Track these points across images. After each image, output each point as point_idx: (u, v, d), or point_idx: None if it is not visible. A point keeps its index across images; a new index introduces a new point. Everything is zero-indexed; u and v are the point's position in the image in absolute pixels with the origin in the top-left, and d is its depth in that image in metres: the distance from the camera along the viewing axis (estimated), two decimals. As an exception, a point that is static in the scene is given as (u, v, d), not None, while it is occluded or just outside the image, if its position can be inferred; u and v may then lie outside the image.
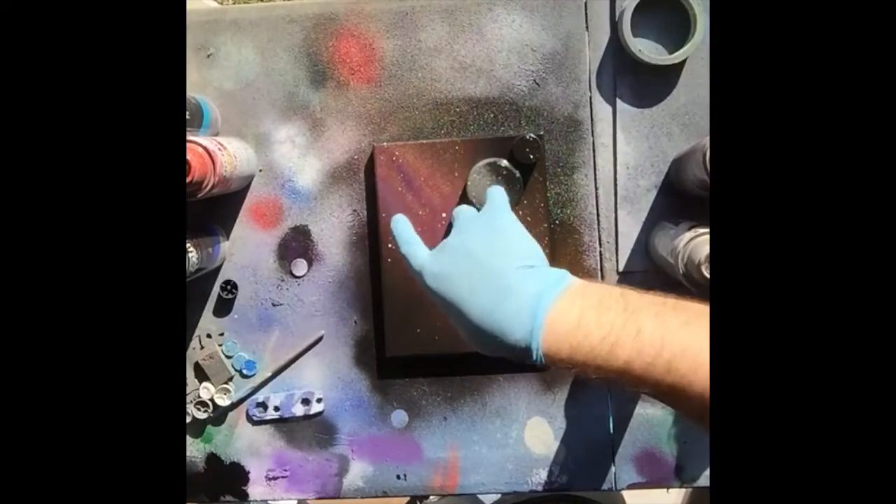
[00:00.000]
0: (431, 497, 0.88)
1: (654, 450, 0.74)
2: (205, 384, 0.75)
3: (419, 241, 0.51)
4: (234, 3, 1.62)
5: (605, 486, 0.74)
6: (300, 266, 0.75)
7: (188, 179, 0.58)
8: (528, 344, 0.42)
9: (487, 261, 0.45)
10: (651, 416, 0.74)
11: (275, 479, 0.77)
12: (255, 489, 0.77)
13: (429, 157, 0.71)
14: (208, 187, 0.61)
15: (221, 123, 0.75)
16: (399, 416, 0.76)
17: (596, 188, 0.73)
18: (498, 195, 0.52)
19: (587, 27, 0.73)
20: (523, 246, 0.47)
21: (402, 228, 0.53)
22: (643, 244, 0.73)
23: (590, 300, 0.42)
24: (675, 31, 0.70)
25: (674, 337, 0.39)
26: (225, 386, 0.76)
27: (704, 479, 0.74)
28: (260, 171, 0.75)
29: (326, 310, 0.76)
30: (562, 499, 0.78)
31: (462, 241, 0.47)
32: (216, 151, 0.63)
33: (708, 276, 0.55)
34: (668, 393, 0.40)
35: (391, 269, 0.72)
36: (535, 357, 0.42)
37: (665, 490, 0.78)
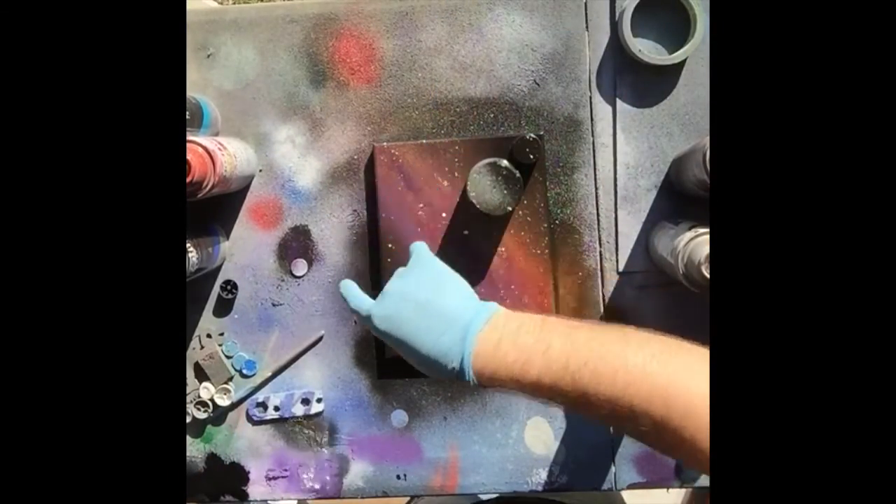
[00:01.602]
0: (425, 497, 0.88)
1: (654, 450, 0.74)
2: (205, 384, 0.75)
3: (364, 295, 0.55)
4: (234, 3, 1.62)
5: (605, 486, 0.74)
6: (300, 266, 0.75)
7: (188, 179, 0.58)
8: (462, 368, 0.48)
9: (425, 302, 0.51)
10: (651, 416, 0.74)
11: (275, 479, 0.77)
12: (255, 489, 0.77)
13: (429, 157, 0.71)
14: (208, 187, 0.61)
15: (221, 123, 0.75)
16: (399, 416, 0.76)
17: (596, 188, 0.74)
18: (420, 247, 0.56)
19: (587, 27, 0.73)
20: (454, 286, 0.53)
21: (349, 289, 0.56)
22: (643, 244, 0.73)
23: (510, 326, 0.48)
24: (675, 31, 0.70)
25: (579, 352, 0.45)
26: (225, 386, 0.76)
27: (704, 479, 0.74)
28: (260, 171, 0.75)
29: (326, 310, 0.76)
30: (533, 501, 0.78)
31: (401, 286, 0.53)
32: (216, 151, 0.63)
33: (708, 276, 0.55)
34: (575, 402, 0.45)
35: (391, 269, 0.72)
36: (467, 378, 0.48)
37: (665, 490, 0.78)
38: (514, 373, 0.46)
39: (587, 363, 0.44)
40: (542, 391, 0.46)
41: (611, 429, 0.74)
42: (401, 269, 0.55)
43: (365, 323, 0.53)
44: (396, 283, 0.53)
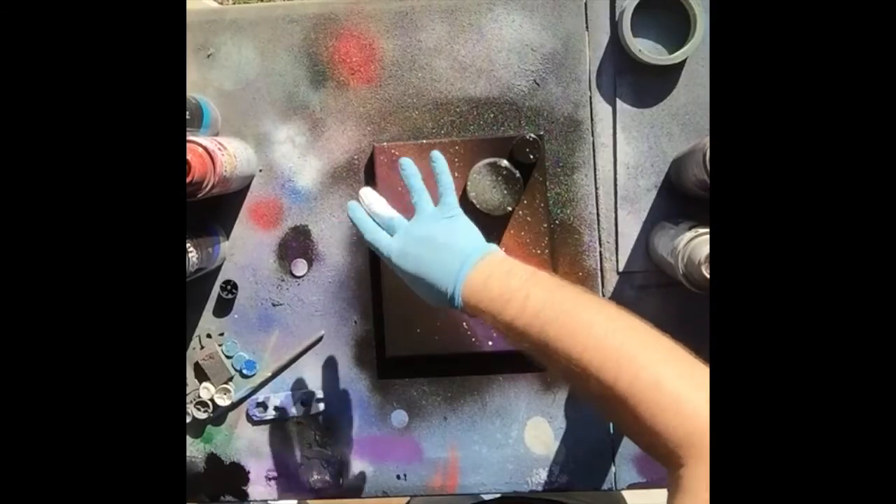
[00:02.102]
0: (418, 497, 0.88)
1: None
2: (205, 384, 0.75)
3: (379, 228, 0.60)
4: (234, 3, 1.62)
5: (605, 486, 0.74)
6: (300, 266, 0.75)
7: (188, 179, 0.58)
8: (453, 294, 0.53)
9: (441, 245, 0.56)
10: (651, 416, 0.74)
11: (275, 479, 0.77)
12: (255, 489, 0.77)
13: (429, 157, 0.71)
14: (208, 187, 0.61)
15: (221, 123, 0.75)
16: (399, 416, 0.76)
17: (596, 188, 0.73)
18: (449, 195, 0.58)
19: (587, 27, 0.73)
20: (466, 229, 0.57)
21: (360, 217, 0.60)
22: (643, 244, 0.73)
23: (502, 267, 0.53)
24: (675, 31, 0.70)
25: (553, 307, 0.48)
26: (225, 386, 0.76)
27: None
28: (260, 171, 0.75)
29: (326, 310, 0.76)
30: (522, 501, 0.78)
31: (417, 228, 0.57)
32: (216, 151, 0.63)
33: (708, 276, 0.55)
34: (537, 350, 0.49)
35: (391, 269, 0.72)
36: (456, 303, 0.53)
37: (665, 490, 0.78)
38: (494, 309, 0.51)
39: (557, 318, 0.48)
40: (513, 333, 0.50)
41: (610, 429, 0.74)
42: (429, 211, 0.59)
43: (379, 255, 0.58)
44: (421, 227, 0.57)
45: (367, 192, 0.61)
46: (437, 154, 0.61)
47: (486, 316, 0.52)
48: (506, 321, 0.50)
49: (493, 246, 0.56)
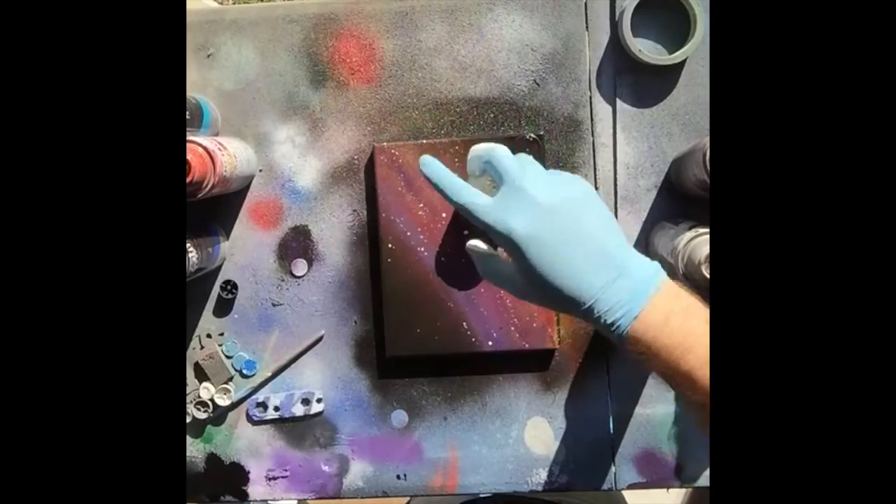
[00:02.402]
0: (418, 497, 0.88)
1: (654, 450, 0.74)
2: (205, 384, 0.75)
3: (466, 185, 0.48)
4: (234, 3, 1.62)
5: (605, 486, 0.74)
6: (300, 266, 0.75)
7: (188, 179, 0.58)
8: (617, 322, 0.43)
9: (587, 234, 0.44)
10: (651, 416, 0.74)
11: (275, 479, 0.77)
12: (255, 489, 0.77)
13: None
14: (208, 187, 0.61)
15: (221, 123, 0.75)
16: (399, 416, 0.76)
17: (596, 188, 0.73)
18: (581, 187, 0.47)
19: (587, 27, 0.73)
20: (616, 227, 0.46)
21: (436, 170, 0.48)
22: (643, 244, 0.73)
23: (681, 303, 0.44)
24: (675, 31, 0.70)
25: None
26: (225, 386, 0.76)
27: (704, 479, 0.74)
28: (260, 171, 0.75)
29: (326, 310, 0.76)
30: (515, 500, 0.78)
31: (548, 190, 0.45)
32: (216, 151, 0.63)
33: (708, 276, 0.55)
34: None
35: (391, 269, 0.72)
36: (618, 335, 0.44)
37: (665, 490, 0.78)
38: (673, 355, 0.43)
39: None
40: (687, 383, 0.43)
41: (610, 428, 0.74)
42: (546, 175, 0.47)
43: (479, 225, 0.46)
44: (544, 188, 0.45)
45: (479, 147, 0.49)
46: (485, 145, 0.48)
47: (654, 360, 0.44)
48: (684, 372, 0.43)
49: (659, 266, 0.45)
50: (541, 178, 0.46)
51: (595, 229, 0.44)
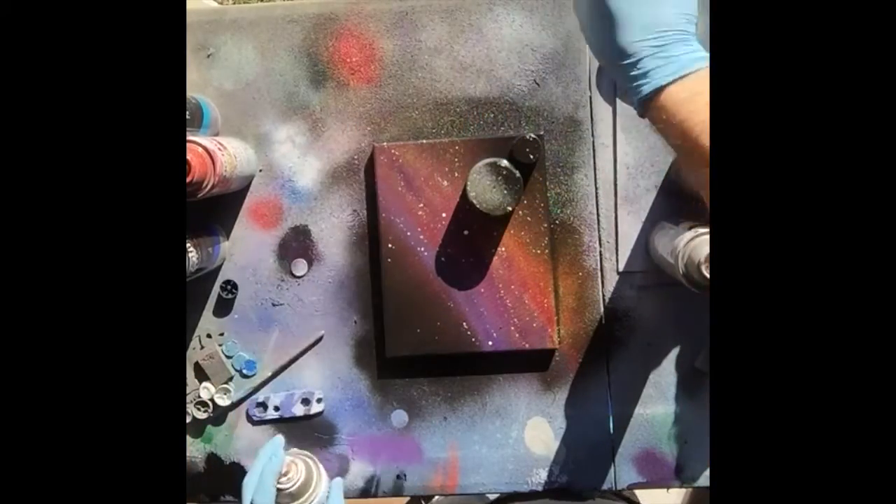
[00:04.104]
0: (436, 497, 0.88)
1: (654, 450, 0.74)
2: (205, 384, 0.75)
3: None
4: (234, 3, 1.62)
5: (605, 486, 0.74)
6: (300, 266, 0.75)
7: (188, 179, 0.58)
8: (640, 86, 0.46)
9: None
10: (651, 416, 0.74)
11: (275, 479, 0.77)
12: (255, 489, 0.77)
13: (429, 157, 0.71)
14: (208, 187, 0.61)
15: (221, 123, 0.75)
16: (399, 416, 0.76)
17: (596, 188, 0.73)
18: None
19: (587, 27, 0.73)
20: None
21: None
22: (643, 244, 0.73)
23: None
24: (675, 31, 0.70)
25: None
26: (225, 386, 0.76)
27: (704, 479, 0.74)
28: (260, 171, 0.75)
29: (326, 310, 0.76)
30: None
31: None
32: (216, 151, 0.63)
33: (708, 276, 0.55)
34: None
35: (391, 269, 0.72)
36: (642, 94, 0.46)
37: (665, 490, 0.78)
38: (694, 129, 0.45)
39: None
40: (702, 160, 0.44)
41: (610, 428, 0.74)
42: None
43: None
44: None
45: None
46: None
47: (674, 129, 0.46)
48: (703, 146, 0.44)
49: (704, 54, 0.48)
50: None
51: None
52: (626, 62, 0.47)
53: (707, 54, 0.48)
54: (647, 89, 0.46)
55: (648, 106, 0.47)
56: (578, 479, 0.75)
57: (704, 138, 0.44)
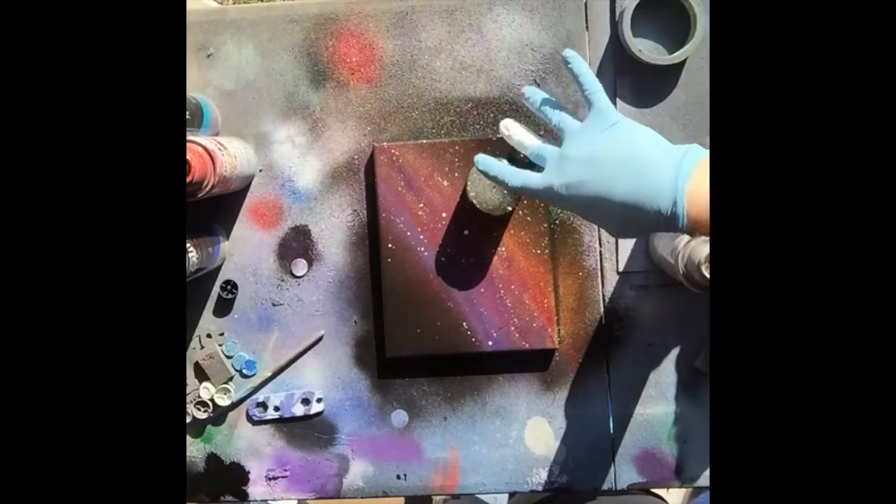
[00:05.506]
0: (436, 497, 0.88)
1: (654, 450, 0.74)
2: (205, 384, 0.75)
3: (519, 170, 0.54)
4: (234, 3, 1.62)
5: (605, 486, 0.74)
6: (300, 266, 0.75)
7: (188, 179, 0.58)
8: (674, 213, 0.45)
9: (619, 154, 0.47)
10: (651, 416, 0.74)
11: (275, 479, 0.77)
12: (255, 489, 0.77)
13: (429, 157, 0.71)
14: (208, 187, 0.61)
15: (221, 123, 0.75)
16: (399, 416, 0.76)
17: (596, 188, 0.73)
18: (605, 104, 0.51)
19: (587, 27, 0.73)
20: (649, 136, 0.49)
21: (493, 165, 0.55)
22: (643, 244, 0.73)
23: None
24: (675, 31, 0.70)
25: None
26: (225, 386, 0.76)
27: (704, 479, 0.74)
28: (260, 171, 0.75)
29: (326, 310, 0.76)
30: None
31: (587, 151, 0.49)
32: (216, 151, 0.63)
33: (708, 276, 0.55)
34: None
35: (391, 269, 0.72)
36: (680, 224, 0.45)
37: (665, 490, 0.78)
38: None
39: None
40: None
41: (610, 428, 0.74)
42: (576, 128, 0.52)
43: (536, 197, 0.52)
44: (579, 148, 0.50)
45: (508, 124, 0.56)
46: (570, 52, 0.53)
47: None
48: None
49: (695, 144, 0.48)
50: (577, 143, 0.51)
51: (632, 148, 0.48)
52: (658, 212, 0.46)
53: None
54: (681, 212, 0.45)
55: (694, 220, 0.45)
56: (578, 479, 0.75)
57: None
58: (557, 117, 0.53)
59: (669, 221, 0.46)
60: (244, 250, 0.76)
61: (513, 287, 0.72)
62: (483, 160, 0.55)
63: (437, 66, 0.74)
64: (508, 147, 0.70)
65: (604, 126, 0.50)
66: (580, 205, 0.49)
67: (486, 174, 0.55)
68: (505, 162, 0.55)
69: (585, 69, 0.52)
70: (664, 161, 0.46)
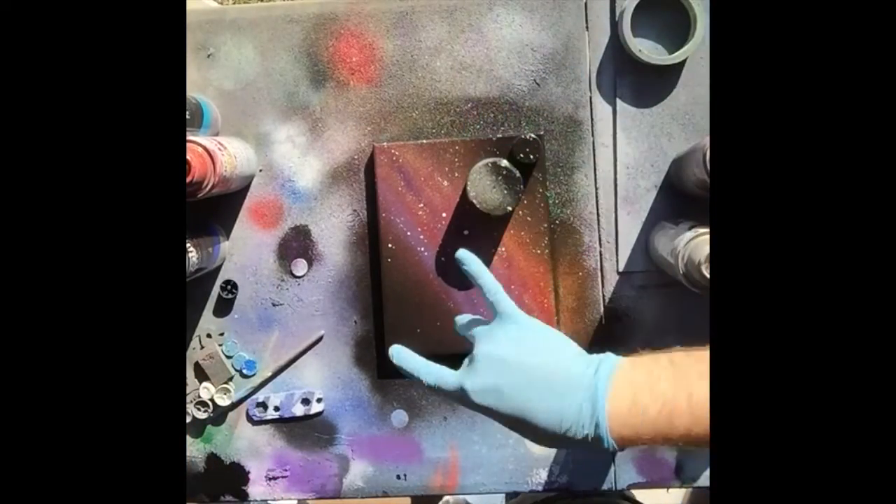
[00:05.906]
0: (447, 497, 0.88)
1: (654, 450, 0.74)
2: (205, 384, 0.75)
3: (436, 365, 0.52)
4: (234, 3, 1.62)
5: (605, 486, 0.74)
6: (300, 266, 0.75)
7: (188, 179, 0.58)
8: (597, 435, 0.44)
9: (533, 367, 0.46)
10: (651, 416, 0.74)
11: (275, 479, 0.77)
12: (255, 489, 0.77)
13: (429, 157, 0.71)
14: (208, 187, 0.61)
15: (221, 123, 0.75)
16: (399, 416, 0.76)
17: (596, 188, 0.73)
18: (506, 305, 0.52)
19: (587, 27, 0.73)
20: (560, 344, 0.49)
21: (409, 360, 0.53)
22: (643, 244, 0.73)
23: (639, 376, 0.44)
24: (675, 31, 0.70)
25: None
26: (225, 386, 0.76)
27: (704, 479, 0.74)
28: (260, 171, 0.75)
29: (326, 310, 0.76)
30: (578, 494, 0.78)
31: (498, 352, 0.48)
32: (216, 151, 0.63)
33: (708, 276, 0.55)
34: None
35: (391, 269, 0.72)
36: (606, 444, 0.44)
37: (665, 490, 0.78)
38: (660, 428, 0.42)
39: None
40: (694, 442, 0.42)
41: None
42: (484, 330, 0.52)
43: (451, 399, 0.50)
44: (489, 348, 0.49)
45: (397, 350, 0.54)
46: (463, 254, 0.53)
47: (652, 440, 0.43)
48: (681, 435, 0.42)
49: (609, 355, 0.47)
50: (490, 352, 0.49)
51: (542, 361, 0.46)
52: (565, 436, 0.45)
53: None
54: (606, 437, 0.44)
55: (621, 442, 0.44)
56: (578, 479, 0.75)
57: (681, 422, 0.42)
58: (467, 328, 0.53)
59: (595, 443, 0.44)
60: (244, 250, 0.76)
61: (513, 287, 0.72)
62: (398, 353, 0.53)
63: (437, 66, 0.74)
64: (508, 147, 0.70)
65: (508, 330, 0.50)
66: (499, 416, 0.47)
67: (400, 369, 0.53)
68: (422, 359, 0.53)
69: (483, 271, 0.52)
70: (579, 382, 0.45)
